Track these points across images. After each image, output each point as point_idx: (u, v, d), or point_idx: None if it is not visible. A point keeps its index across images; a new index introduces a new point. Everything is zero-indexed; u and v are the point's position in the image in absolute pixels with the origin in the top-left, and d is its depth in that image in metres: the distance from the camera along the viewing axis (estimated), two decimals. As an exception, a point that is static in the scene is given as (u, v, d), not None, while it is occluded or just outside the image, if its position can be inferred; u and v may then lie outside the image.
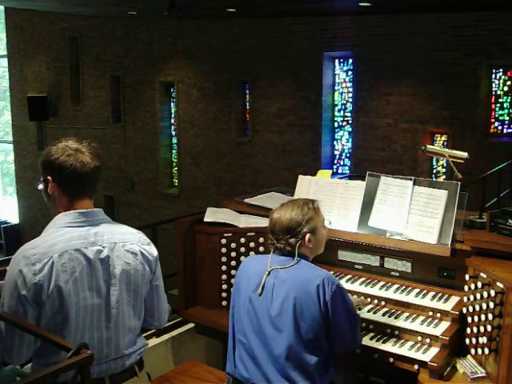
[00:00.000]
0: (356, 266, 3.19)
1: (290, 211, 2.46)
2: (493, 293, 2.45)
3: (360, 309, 2.89)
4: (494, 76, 8.75)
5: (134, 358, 2.14)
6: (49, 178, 2.05)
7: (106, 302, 2.01)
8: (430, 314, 2.77)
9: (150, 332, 3.59)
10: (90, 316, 1.98)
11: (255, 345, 2.35)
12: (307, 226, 2.45)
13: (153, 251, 2.19)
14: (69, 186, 2.05)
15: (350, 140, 10.27)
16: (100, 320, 2.00)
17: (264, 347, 2.33)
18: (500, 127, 8.85)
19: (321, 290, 2.28)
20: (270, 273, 2.39)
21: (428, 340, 2.66)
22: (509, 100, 8.74)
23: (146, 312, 2.22)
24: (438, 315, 2.75)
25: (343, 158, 10.66)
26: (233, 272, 3.31)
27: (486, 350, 2.46)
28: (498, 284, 2.41)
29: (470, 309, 2.61)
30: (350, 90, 10.25)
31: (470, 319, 2.61)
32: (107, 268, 2.02)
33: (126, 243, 2.09)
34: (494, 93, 8.79)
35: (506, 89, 8.74)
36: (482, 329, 2.49)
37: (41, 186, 2.10)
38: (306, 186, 3.38)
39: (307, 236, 2.44)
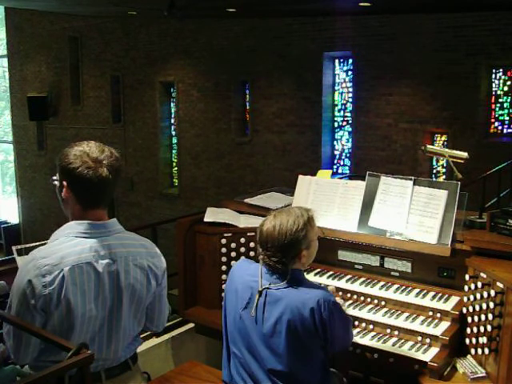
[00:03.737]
0: (356, 266, 3.19)
1: (285, 225, 2.28)
2: (493, 293, 2.45)
3: (360, 309, 2.90)
4: (494, 76, 8.75)
5: (129, 354, 2.17)
6: (64, 183, 2.02)
7: (109, 313, 2.02)
8: (430, 313, 2.78)
9: (150, 332, 3.58)
10: (93, 326, 2.00)
11: (250, 361, 2.32)
12: (303, 243, 2.31)
13: (161, 264, 2.20)
14: (84, 195, 2.03)
15: (350, 140, 10.26)
16: (102, 329, 2.02)
17: (259, 365, 2.30)
18: (500, 127, 8.84)
19: (316, 312, 2.20)
20: (261, 293, 2.28)
21: (428, 340, 2.66)
22: (509, 100, 8.73)
23: (146, 318, 2.23)
24: (438, 315, 2.75)
25: (343, 158, 10.65)
26: (233, 272, 3.31)
27: (486, 350, 2.46)
28: (498, 284, 2.41)
29: (470, 309, 2.61)
30: (350, 90, 10.24)
31: (470, 319, 2.61)
32: (114, 281, 2.02)
33: (136, 257, 2.08)
34: (494, 93, 8.78)
35: (506, 89, 8.74)
36: (482, 329, 2.49)
37: (56, 183, 2.07)
38: (306, 186, 3.38)
39: (302, 253, 2.32)
